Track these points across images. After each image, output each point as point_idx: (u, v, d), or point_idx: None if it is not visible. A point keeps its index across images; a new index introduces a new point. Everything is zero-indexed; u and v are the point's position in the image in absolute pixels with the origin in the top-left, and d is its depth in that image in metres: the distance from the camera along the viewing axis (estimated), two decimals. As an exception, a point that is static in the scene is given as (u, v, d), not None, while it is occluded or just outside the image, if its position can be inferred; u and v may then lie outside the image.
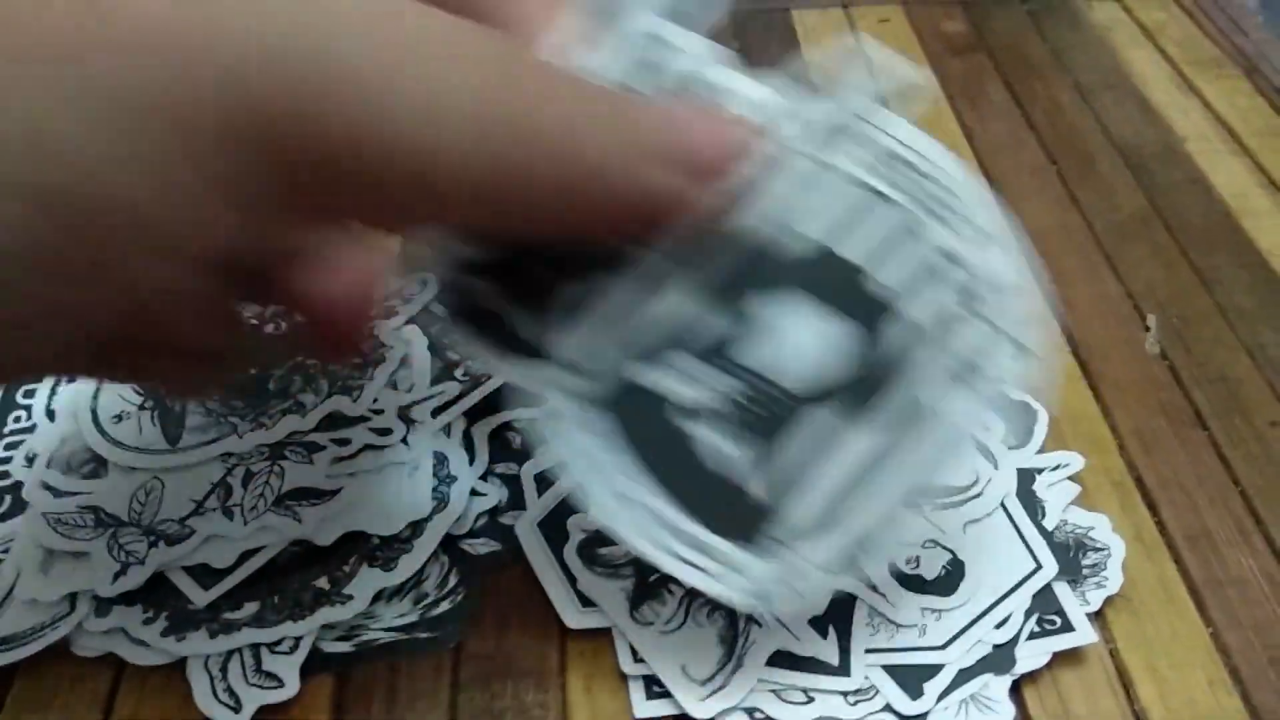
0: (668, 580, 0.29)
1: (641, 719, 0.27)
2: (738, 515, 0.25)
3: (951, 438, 0.25)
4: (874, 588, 0.29)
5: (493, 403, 0.34)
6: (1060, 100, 0.48)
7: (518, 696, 0.28)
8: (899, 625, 0.28)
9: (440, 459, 0.32)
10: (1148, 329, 0.37)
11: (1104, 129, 0.46)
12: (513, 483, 0.32)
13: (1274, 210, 0.42)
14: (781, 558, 0.25)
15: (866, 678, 0.27)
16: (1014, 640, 0.28)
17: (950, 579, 0.29)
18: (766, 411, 0.25)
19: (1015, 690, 0.28)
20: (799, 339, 0.25)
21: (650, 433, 0.25)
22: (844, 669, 0.27)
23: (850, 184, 0.25)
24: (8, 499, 0.32)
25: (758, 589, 0.25)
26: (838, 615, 0.28)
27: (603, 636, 0.29)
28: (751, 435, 0.25)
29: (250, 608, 0.29)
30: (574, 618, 0.29)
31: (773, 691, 0.27)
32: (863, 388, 0.25)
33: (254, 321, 0.36)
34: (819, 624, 0.28)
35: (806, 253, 0.25)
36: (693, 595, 0.29)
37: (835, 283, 0.25)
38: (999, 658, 0.28)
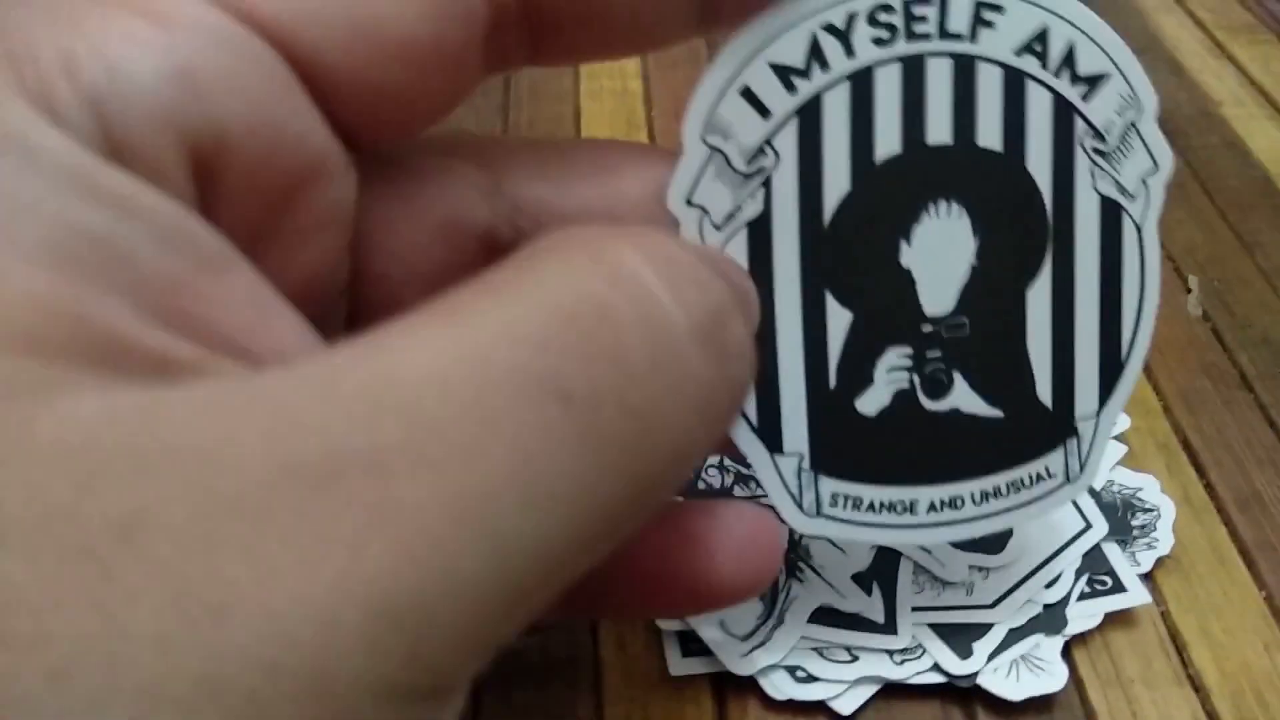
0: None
1: (678, 676, 0.26)
2: None
3: None
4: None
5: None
6: (1091, 63, 0.47)
7: (546, 650, 0.27)
8: (946, 583, 0.27)
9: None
10: (1189, 290, 0.36)
11: (1137, 92, 0.45)
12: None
13: (1313, 175, 0.41)
14: None
15: (913, 636, 0.26)
16: (1065, 600, 0.27)
17: (998, 536, 0.28)
18: None
19: (1065, 652, 0.27)
20: None
21: None
22: (890, 627, 0.26)
23: None
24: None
25: None
26: (882, 571, 0.27)
27: (635, 591, 0.28)
28: None
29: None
30: (605, 571, 0.28)
31: (815, 649, 0.26)
32: None
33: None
34: (863, 580, 0.27)
35: None
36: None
37: None
38: (1050, 617, 0.27)
